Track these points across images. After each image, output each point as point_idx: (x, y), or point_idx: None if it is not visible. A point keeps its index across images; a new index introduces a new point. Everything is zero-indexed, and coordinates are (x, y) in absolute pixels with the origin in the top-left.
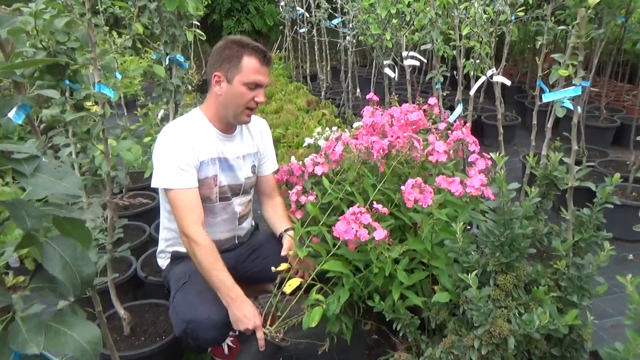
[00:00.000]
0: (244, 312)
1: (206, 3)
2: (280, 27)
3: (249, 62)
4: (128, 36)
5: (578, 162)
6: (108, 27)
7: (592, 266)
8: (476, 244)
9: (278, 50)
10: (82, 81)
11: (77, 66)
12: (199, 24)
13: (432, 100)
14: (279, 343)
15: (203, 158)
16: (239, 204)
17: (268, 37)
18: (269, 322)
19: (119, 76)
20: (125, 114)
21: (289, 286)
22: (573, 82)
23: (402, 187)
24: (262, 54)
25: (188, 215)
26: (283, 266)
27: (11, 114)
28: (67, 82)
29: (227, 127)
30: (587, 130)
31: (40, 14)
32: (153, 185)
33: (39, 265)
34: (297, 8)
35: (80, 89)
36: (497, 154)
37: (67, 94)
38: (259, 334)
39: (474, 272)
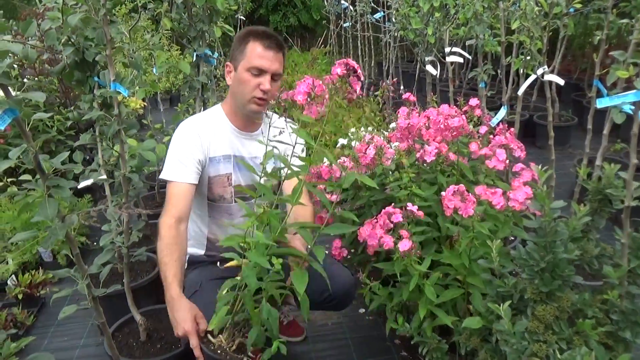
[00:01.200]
0: (175, 315)
1: None
2: (324, 22)
3: (253, 46)
4: (158, 32)
5: (639, 168)
6: (150, 24)
7: None
8: (516, 264)
9: (323, 45)
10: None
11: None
12: (244, 18)
13: (473, 102)
14: (231, 356)
15: (214, 154)
16: (260, 206)
17: (314, 32)
18: (289, 330)
19: (155, 72)
20: (161, 109)
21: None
22: (635, 85)
23: (442, 193)
24: (267, 38)
25: (167, 208)
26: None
27: None
28: (95, 78)
29: (246, 123)
30: None
31: (68, 10)
32: (160, 177)
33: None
34: (342, 1)
35: (106, 85)
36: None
37: (95, 91)
38: (192, 341)
39: (508, 302)
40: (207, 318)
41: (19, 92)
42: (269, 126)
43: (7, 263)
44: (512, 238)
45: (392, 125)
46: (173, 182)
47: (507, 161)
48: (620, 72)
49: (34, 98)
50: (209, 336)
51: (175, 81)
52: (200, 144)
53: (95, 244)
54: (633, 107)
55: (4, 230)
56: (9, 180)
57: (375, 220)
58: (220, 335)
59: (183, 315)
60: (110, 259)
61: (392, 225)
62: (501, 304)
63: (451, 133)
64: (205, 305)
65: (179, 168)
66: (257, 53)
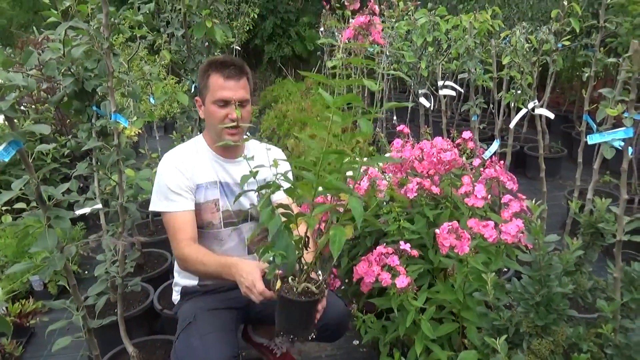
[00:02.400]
0: (241, 271)
1: (248, 28)
2: (318, 53)
3: (213, 79)
4: (156, 63)
5: (630, 200)
6: (146, 53)
7: None
8: (511, 297)
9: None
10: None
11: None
12: (240, 48)
13: (466, 134)
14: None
15: (200, 181)
16: (248, 230)
17: (308, 62)
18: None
19: (152, 101)
20: (157, 137)
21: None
22: (623, 123)
23: (437, 231)
24: (227, 67)
25: (177, 236)
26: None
27: None
28: (94, 108)
29: (225, 150)
30: None
31: (69, 41)
32: (150, 209)
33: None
34: (336, 33)
35: (106, 115)
36: (539, 192)
37: (93, 120)
38: (258, 287)
39: (504, 336)
40: (205, 351)
41: (25, 123)
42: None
43: None
44: (506, 270)
45: (387, 155)
46: (172, 214)
47: (500, 193)
48: (609, 110)
49: (39, 131)
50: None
51: (171, 109)
52: (186, 171)
53: (86, 272)
54: (623, 143)
55: None
56: (3, 208)
57: (371, 254)
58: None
59: (249, 267)
60: (105, 289)
61: (387, 260)
62: (497, 338)
63: (444, 166)
64: (202, 336)
65: (174, 198)
66: (219, 85)
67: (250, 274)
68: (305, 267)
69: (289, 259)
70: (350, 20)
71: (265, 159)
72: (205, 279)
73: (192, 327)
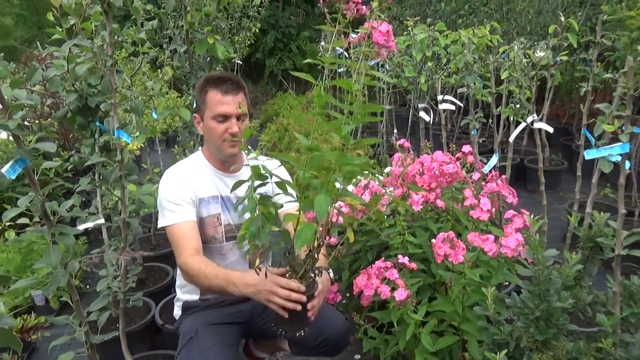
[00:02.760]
0: (254, 285)
1: (250, 43)
2: (319, 66)
3: (211, 95)
4: (159, 78)
5: (630, 213)
6: (149, 68)
7: None
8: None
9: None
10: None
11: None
12: (241, 62)
13: (466, 148)
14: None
15: (202, 195)
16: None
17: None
18: None
19: (155, 115)
20: (158, 151)
21: None
22: (620, 138)
23: (433, 240)
24: (224, 83)
25: (180, 249)
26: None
27: (4, 169)
28: (97, 123)
29: (225, 165)
30: None
31: (73, 58)
32: (159, 226)
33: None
34: (337, 47)
35: (109, 131)
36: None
37: (96, 136)
38: (281, 283)
39: (504, 351)
40: None
41: (30, 139)
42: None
43: None
44: (507, 283)
45: (387, 169)
46: (176, 225)
47: (500, 207)
48: (606, 126)
49: (45, 149)
50: None
51: (172, 123)
52: (188, 184)
53: (88, 287)
54: (620, 158)
55: None
56: (6, 224)
57: (370, 268)
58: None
59: (255, 277)
60: (107, 305)
61: (386, 274)
62: (497, 352)
63: (446, 179)
64: (202, 350)
65: (177, 210)
66: (217, 100)
67: (259, 280)
68: (294, 264)
69: (261, 242)
70: (352, 35)
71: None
72: (207, 294)
73: (194, 342)
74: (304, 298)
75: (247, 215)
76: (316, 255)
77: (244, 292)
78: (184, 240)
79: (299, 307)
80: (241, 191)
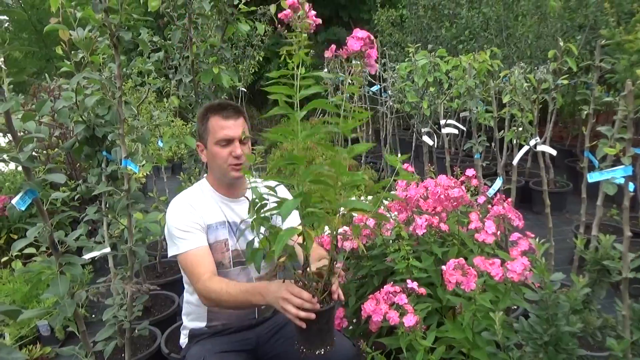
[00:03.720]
0: (272, 292)
1: (254, 70)
2: (322, 93)
3: (213, 122)
4: (165, 108)
5: (636, 234)
6: (154, 98)
7: None
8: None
9: (322, 115)
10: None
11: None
12: (246, 90)
13: (470, 172)
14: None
15: (209, 222)
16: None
17: (312, 101)
18: None
19: (161, 144)
20: (164, 178)
21: None
22: (622, 161)
23: (443, 267)
24: (224, 109)
25: (196, 272)
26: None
27: (15, 200)
28: (104, 153)
29: (230, 190)
30: None
31: (81, 90)
32: (169, 255)
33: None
34: (340, 74)
35: (116, 160)
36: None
37: (103, 165)
38: (301, 298)
39: None
40: None
41: (39, 170)
42: None
43: (4, 337)
44: (515, 307)
45: (391, 193)
46: (190, 252)
47: (506, 230)
48: (607, 149)
49: (55, 180)
50: None
51: (178, 150)
52: (196, 212)
53: (93, 316)
54: (623, 180)
55: (3, 303)
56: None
57: (379, 292)
58: None
59: (277, 285)
60: (112, 334)
61: (394, 299)
62: None
63: (451, 203)
64: None
65: (188, 237)
66: (219, 125)
67: (280, 287)
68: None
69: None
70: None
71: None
72: (214, 321)
73: None
74: (317, 306)
75: (256, 240)
76: (328, 276)
77: (268, 301)
78: (199, 267)
79: (313, 316)
80: (245, 216)
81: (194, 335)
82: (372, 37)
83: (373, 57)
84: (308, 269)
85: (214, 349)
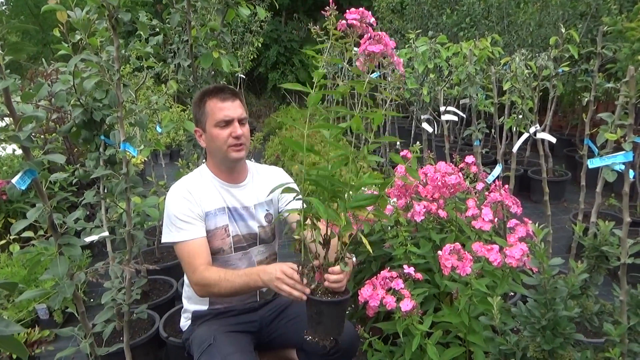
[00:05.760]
0: (269, 272)
1: (253, 57)
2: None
3: (210, 104)
4: (163, 92)
5: (635, 223)
6: (153, 83)
7: None
8: (517, 321)
9: (320, 102)
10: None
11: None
12: (244, 76)
13: (469, 159)
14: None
15: (209, 209)
16: (257, 254)
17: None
18: None
19: (159, 129)
20: (162, 164)
21: None
22: (623, 147)
23: (439, 252)
24: (221, 91)
25: (194, 262)
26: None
27: (15, 179)
28: (102, 137)
29: (230, 175)
30: None
31: (79, 73)
32: (162, 241)
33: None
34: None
35: (114, 144)
36: (543, 217)
37: (101, 149)
38: (293, 275)
39: None
40: None
41: (37, 153)
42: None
43: None
44: (513, 294)
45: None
46: (188, 242)
47: (504, 217)
48: (608, 135)
49: (54, 160)
50: None
51: (176, 137)
52: (194, 200)
53: (92, 300)
54: (624, 167)
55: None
56: (11, 237)
57: (376, 278)
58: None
59: (274, 266)
60: (111, 317)
61: (391, 284)
62: None
63: (449, 190)
64: (225, 356)
65: (187, 227)
66: (217, 107)
67: (275, 268)
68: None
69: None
70: (354, 50)
71: (269, 179)
72: (216, 303)
73: (214, 349)
74: (307, 289)
75: (256, 225)
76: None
77: (265, 281)
78: (196, 258)
79: (304, 297)
80: (248, 200)
81: (197, 317)
82: (367, 13)
83: (395, 59)
84: (328, 254)
85: (222, 329)
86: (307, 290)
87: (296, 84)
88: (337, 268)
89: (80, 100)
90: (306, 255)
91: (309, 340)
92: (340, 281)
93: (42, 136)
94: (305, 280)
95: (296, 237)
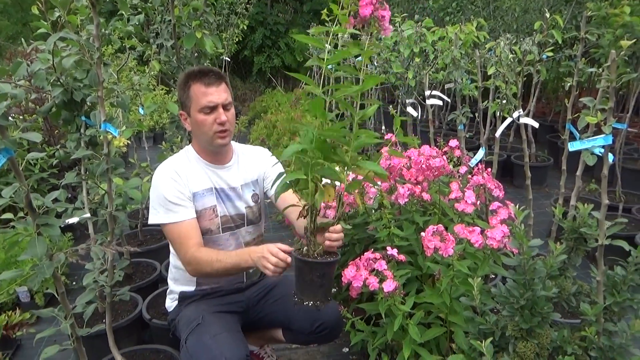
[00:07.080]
0: (258, 252)
1: (238, 40)
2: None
3: (195, 89)
4: (146, 74)
5: (614, 208)
6: (135, 64)
7: (625, 335)
8: (496, 301)
9: (306, 86)
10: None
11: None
12: (229, 59)
13: (453, 143)
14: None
15: (196, 189)
16: (245, 234)
17: (297, 73)
18: None
19: (142, 111)
20: (146, 147)
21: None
22: (603, 130)
23: (422, 234)
24: (205, 75)
25: (186, 243)
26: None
27: None
28: (83, 118)
29: (216, 157)
30: (625, 173)
31: (58, 52)
32: (149, 222)
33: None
34: (325, 45)
35: (95, 125)
36: (524, 200)
37: (82, 130)
38: (281, 250)
39: (490, 339)
40: (219, 350)
41: (14, 133)
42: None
43: None
44: (493, 276)
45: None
46: (179, 223)
47: (487, 200)
48: (589, 118)
49: (31, 139)
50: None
51: (160, 120)
52: (182, 181)
53: (74, 283)
54: (603, 150)
55: None
56: None
57: (359, 259)
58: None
59: (261, 247)
60: (93, 298)
61: (374, 265)
62: (483, 341)
63: (433, 173)
64: (214, 336)
65: (175, 209)
66: (202, 92)
67: (263, 248)
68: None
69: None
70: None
71: (255, 160)
72: (203, 284)
73: (202, 328)
74: (288, 259)
75: (243, 205)
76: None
77: (254, 260)
78: (188, 239)
79: (282, 267)
80: (234, 181)
81: (184, 297)
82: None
83: (387, 19)
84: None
85: (210, 309)
86: (288, 259)
87: (304, 76)
88: (339, 227)
89: (60, 80)
90: (314, 218)
91: (310, 305)
92: (341, 239)
93: (20, 117)
94: (310, 245)
95: (303, 202)
